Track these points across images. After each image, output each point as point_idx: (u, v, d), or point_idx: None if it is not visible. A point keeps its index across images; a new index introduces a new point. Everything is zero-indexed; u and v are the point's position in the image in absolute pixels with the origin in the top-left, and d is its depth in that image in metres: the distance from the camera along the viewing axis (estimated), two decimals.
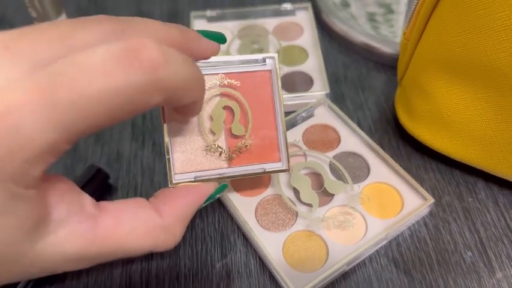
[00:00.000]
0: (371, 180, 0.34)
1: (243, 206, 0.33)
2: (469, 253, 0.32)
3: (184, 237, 0.33)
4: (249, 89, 0.30)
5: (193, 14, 0.46)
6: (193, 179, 0.28)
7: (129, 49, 0.17)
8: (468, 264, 0.31)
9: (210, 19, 0.46)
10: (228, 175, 0.29)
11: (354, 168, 0.35)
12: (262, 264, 0.32)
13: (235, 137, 0.30)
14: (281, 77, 0.41)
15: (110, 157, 0.38)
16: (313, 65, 0.42)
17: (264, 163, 0.30)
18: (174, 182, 0.27)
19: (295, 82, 0.41)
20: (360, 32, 0.44)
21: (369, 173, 0.35)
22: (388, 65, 0.43)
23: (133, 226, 0.21)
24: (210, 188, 0.26)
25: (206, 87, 0.29)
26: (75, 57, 0.17)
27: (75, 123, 0.16)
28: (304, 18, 0.46)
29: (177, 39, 0.22)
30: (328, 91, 0.39)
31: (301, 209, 0.33)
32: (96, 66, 0.16)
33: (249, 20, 0.46)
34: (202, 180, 0.28)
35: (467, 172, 0.36)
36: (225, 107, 0.30)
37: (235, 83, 0.29)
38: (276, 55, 0.30)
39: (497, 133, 0.31)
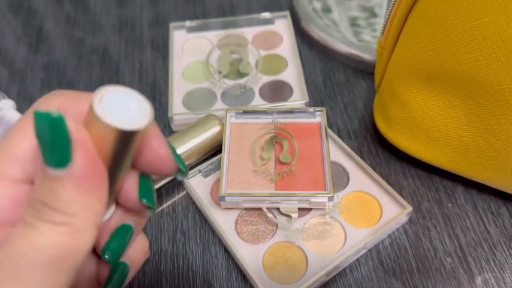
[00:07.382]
0: (350, 189, 0.34)
1: (224, 219, 0.33)
2: (449, 259, 0.32)
3: (165, 253, 0.33)
4: (299, 134, 0.35)
5: (172, 24, 0.46)
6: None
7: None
8: (448, 270, 0.32)
9: (190, 29, 0.46)
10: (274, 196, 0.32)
11: (334, 177, 0.35)
12: (244, 277, 0.32)
13: (283, 163, 0.34)
14: (260, 86, 0.41)
15: None
16: (293, 73, 0.42)
17: (308, 191, 0.32)
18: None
19: (275, 91, 0.41)
20: (339, 39, 0.44)
21: (348, 181, 0.35)
22: (367, 71, 0.43)
23: None
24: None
25: (261, 127, 0.36)
26: None
27: None
28: (283, 26, 0.46)
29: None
30: (307, 100, 0.39)
31: (281, 220, 0.33)
32: None
33: (228, 30, 0.46)
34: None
35: (446, 178, 0.36)
36: (276, 142, 0.35)
37: (286, 124, 0.36)
38: (324, 109, 0.36)
39: (473, 140, 0.31)
